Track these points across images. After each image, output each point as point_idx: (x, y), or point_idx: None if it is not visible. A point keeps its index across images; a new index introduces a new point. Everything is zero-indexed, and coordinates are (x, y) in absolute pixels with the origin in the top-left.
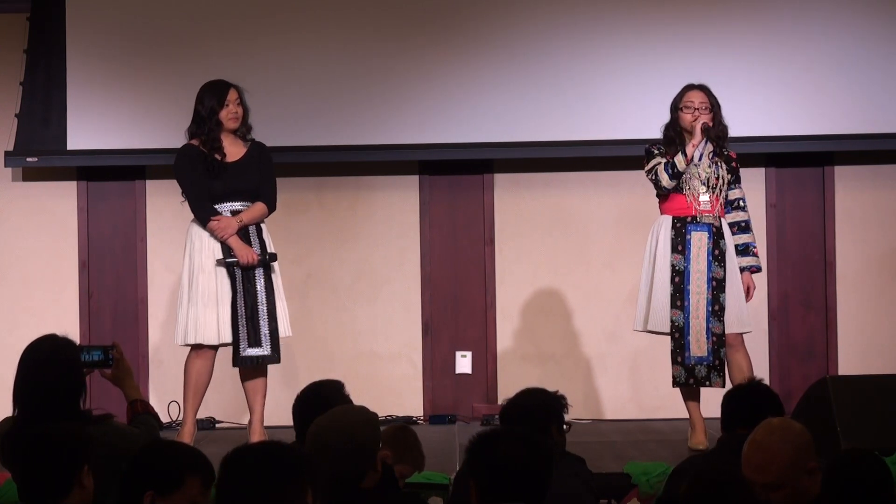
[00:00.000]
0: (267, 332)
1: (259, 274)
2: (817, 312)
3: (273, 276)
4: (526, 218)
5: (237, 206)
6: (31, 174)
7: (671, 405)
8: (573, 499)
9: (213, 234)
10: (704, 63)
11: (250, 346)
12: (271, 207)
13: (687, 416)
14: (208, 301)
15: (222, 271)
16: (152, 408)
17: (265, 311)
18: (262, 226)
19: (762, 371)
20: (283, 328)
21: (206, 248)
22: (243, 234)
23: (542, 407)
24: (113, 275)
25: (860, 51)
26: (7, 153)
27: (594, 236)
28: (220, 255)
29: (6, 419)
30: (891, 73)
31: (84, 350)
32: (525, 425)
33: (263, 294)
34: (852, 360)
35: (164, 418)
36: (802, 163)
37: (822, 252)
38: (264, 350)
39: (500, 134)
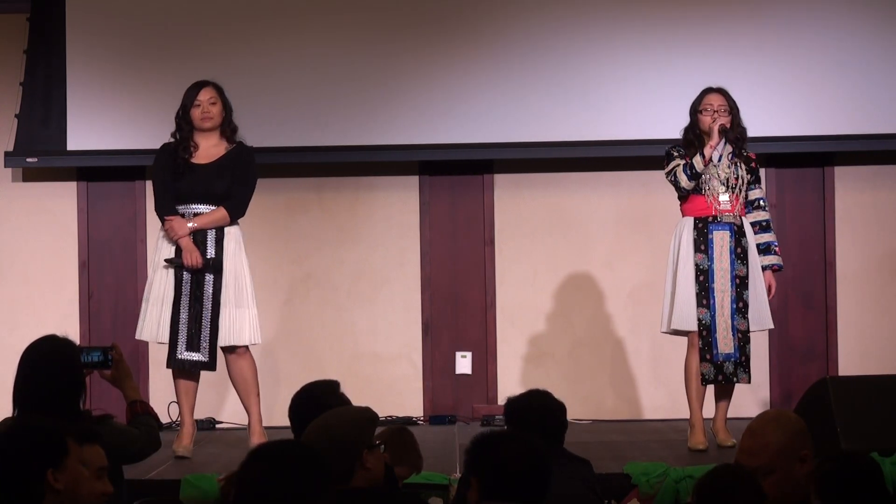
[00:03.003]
0: (207, 338)
1: (209, 280)
2: (817, 312)
3: (223, 282)
4: (526, 218)
5: (200, 208)
6: (31, 174)
7: (671, 405)
8: (576, 500)
9: (167, 233)
10: (705, 63)
11: (188, 349)
12: (234, 214)
13: (688, 416)
14: (156, 299)
15: (174, 272)
16: (152, 408)
17: (208, 318)
18: (228, 230)
19: (762, 371)
20: (240, 336)
21: (165, 247)
22: (201, 237)
23: (548, 412)
24: (113, 275)
25: (860, 51)
26: (7, 153)
27: (594, 236)
28: (173, 255)
29: (6, 420)
30: (891, 73)
31: (83, 351)
32: (529, 428)
33: (210, 301)
34: (852, 360)
35: (164, 419)
36: (802, 163)
37: (822, 252)
38: (202, 356)
39: (500, 134)
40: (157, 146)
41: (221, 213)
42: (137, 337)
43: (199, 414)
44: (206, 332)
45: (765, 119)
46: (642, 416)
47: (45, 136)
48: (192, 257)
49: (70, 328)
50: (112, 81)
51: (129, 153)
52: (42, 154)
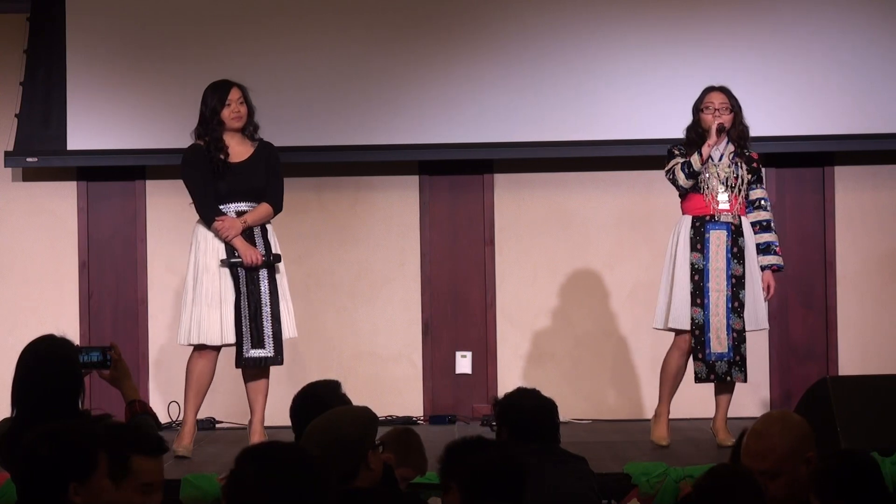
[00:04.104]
0: (270, 333)
1: (263, 275)
2: (817, 312)
3: (278, 277)
4: (526, 218)
5: (242, 206)
6: (31, 174)
7: (672, 404)
8: (577, 498)
9: (217, 234)
10: (705, 63)
11: (253, 347)
12: (277, 208)
13: (687, 415)
14: (212, 301)
15: (226, 272)
16: (151, 408)
17: (269, 312)
18: (268, 226)
19: (762, 371)
20: (288, 329)
21: (210, 248)
22: (248, 234)
23: (540, 411)
24: (113, 275)
25: (860, 51)
26: (7, 153)
27: (594, 236)
28: (224, 256)
29: (5, 420)
30: (891, 73)
31: (82, 351)
32: (522, 428)
33: (267, 295)
34: (852, 360)
35: (164, 418)
36: (802, 163)
37: (822, 252)
38: (267, 351)
39: (500, 134)
40: (157, 146)
41: (267, 208)
42: (195, 342)
43: (199, 414)
44: (268, 327)
45: (765, 119)
46: (643, 415)
47: (45, 136)
48: (252, 255)
49: (70, 328)
50: (112, 81)
51: (129, 153)
52: (42, 154)
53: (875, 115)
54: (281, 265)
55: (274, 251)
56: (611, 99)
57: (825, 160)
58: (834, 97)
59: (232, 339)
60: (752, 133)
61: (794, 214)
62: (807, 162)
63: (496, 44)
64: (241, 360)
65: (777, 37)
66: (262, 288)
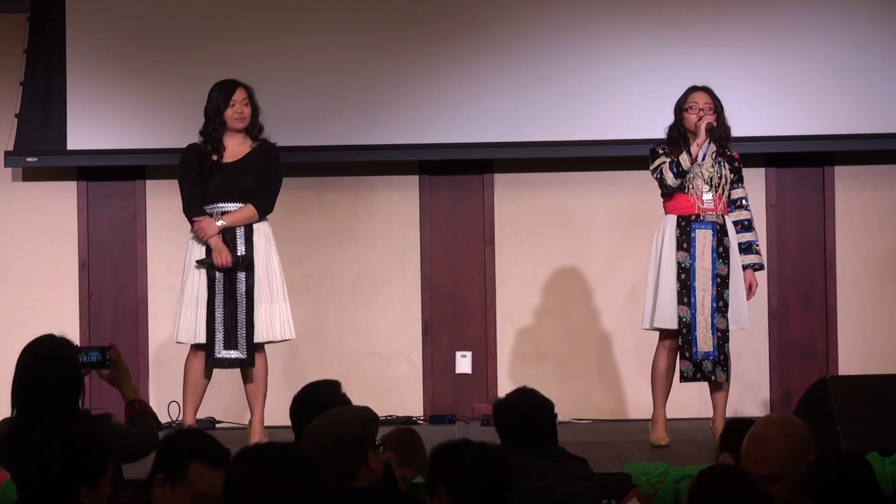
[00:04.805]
0: (244, 335)
1: (241, 277)
2: (817, 312)
3: (259, 278)
4: (526, 218)
5: (228, 206)
6: (31, 174)
7: (670, 405)
8: (577, 498)
9: (196, 234)
10: (705, 63)
11: (226, 348)
12: (263, 210)
13: (686, 415)
14: (190, 301)
15: (206, 272)
16: (150, 408)
17: (243, 314)
18: (259, 226)
19: (762, 371)
20: (272, 332)
21: (196, 248)
22: (230, 235)
23: (537, 412)
24: (113, 275)
25: (860, 51)
26: (7, 153)
27: (594, 236)
28: (203, 256)
29: (5, 420)
30: (891, 73)
31: (82, 351)
32: (520, 429)
33: (244, 298)
34: (852, 360)
35: (164, 418)
36: (802, 163)
37: (822, 252)
38: (240, 353)
39: (500, 134)
40: (158, 146)
41: (249, 210)
42: (175, 339)
43: (199, 413)
44: (242, 330)
45: (764, 119)
46: (642, 415)
47: (45, 136)
48: (221, 256)
49: (70, 328)
50: (112, 81)
51: (129, 153)
52: (42, 154)
53: (875, 115)
54: (277, 268)
55: (264, 252)
56: (611, 99)
57: (825, 160)
58: (834, 97)
59: (203, 338)
60: (753, 133)
61: (794, 214)
62: (807, 162)
63: (496, 44)
64: (211, 361)
65: (777, 37)
66: (240, 290)
